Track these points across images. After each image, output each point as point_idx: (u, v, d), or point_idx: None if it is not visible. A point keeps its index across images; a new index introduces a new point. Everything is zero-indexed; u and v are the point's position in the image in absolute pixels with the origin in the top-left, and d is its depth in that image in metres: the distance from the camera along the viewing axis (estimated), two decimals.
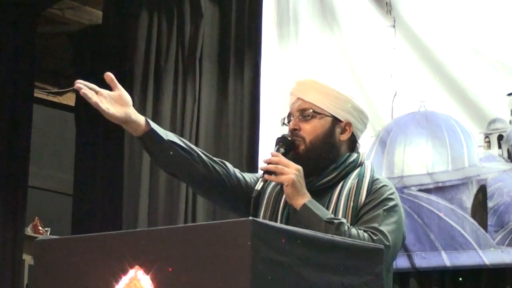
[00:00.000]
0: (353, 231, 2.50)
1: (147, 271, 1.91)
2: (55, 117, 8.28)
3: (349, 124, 2.76)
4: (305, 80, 2.82)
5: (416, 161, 4.42)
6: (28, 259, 6.73)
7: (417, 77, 4.47)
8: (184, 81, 5.55)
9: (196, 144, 5.39)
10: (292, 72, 5.03)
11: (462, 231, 4.17)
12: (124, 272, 1.95)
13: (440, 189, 4.30)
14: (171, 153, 2.63)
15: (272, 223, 1.88)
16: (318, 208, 2.55)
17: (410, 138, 4.48)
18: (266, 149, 5.01)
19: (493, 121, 4.20)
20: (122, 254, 1.97)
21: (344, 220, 2.52)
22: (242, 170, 5.27)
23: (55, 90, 7.86)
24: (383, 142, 4.55)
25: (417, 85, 4.47)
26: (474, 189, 4.19)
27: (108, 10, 6.40)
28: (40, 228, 7.41)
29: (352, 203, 2.62)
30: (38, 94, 7.35)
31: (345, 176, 2.69)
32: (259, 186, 2.65)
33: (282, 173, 2.58)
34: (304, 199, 2.57)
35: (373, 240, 2.49)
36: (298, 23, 5.10)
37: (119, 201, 5.75)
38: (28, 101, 6.52)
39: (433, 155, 4.37)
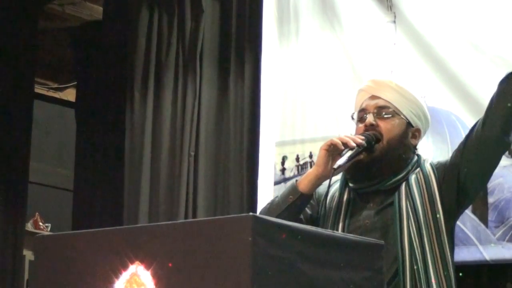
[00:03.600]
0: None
1: (147, 267, 1.92)
2: (55, 112, 8.28)
3: (419, 130, 2.77)
4: (383, 80, 2.84)
5: None
6: (28, 254, 6.73)
7: (417, 73, 4.47)
8: (184, 77, 5.55)
9: (197, 141, 5.40)
10: (292, 68, 5.02)
11: (463, 227, 4.17)
12: (125, 267, 1.95)
13: None
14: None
15: (272, 218, 1.88)
16: None
17: None
18: (266, 145, 5.01)
19: None
20: (122, 249, 1.97)
21: None
22: (241, 165, 5.26)
23: (56, 85, 7.86)
24: None
25: (417, 80, 4.47)
26: None
27: (108, 5, 6.39)
28: (41, 223, 7.42)
29: (425, 190, 2.65)
30: (38, 89, 7.35)
31: (407, 175, 2.71)
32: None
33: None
34: None
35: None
36: (299, 20, 5.09)
37: (119, 196, 5.75)
38: (28, 97, 6.51)
39: (434, 151, 4.36)
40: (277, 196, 2.79)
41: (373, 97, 2.74)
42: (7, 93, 6.29)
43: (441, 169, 2.70)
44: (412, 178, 2.68)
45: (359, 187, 2.72)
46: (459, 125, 4.31)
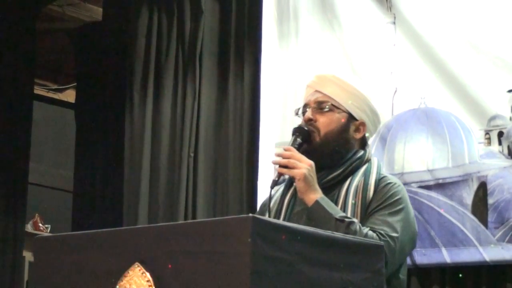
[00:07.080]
0: (364, 231, 2.49)
1: (147, 268, 1.92)
2: (55, 113, 8.28)
3: (363, 124, 2.75)
4: (326, 74, 2.81)
5: (417, 157, 4.42)
6: (28, 256, 6.73)
7: (417, 74, 4.47)
8: (184, 78, 5.55)
9: (196, 142, 5.40)
10: (292, 69, 5.02)
11: (463, 228, 4.17)
12: (125, 268, 1.95)
13: (440, 186, 4.31)
14: None
15: (272, 220, 1.88)
16: (329, 206, 2.54)
17: (411, 135, 4.48)
18: (266, 145, 5.01)
19: (494, 117, 4.20)
20: (122, 250, 1.97)
21: (355, 220, 2.51)
22: (241, 166, 5.25)
23: (55, 87, 7.87)
24: (383, 138, 4.55)
25: (417, 81, 4.47)
26: (474, 185, 4.19)
27: (108, 7, 6.39)
28: (40, 224, 7.42)
29: (360, 201, 2.61)
30: (38, 91, 7.35)
31: (352, 172, 2.68)
32: (275, 177, 2.63)
33: (294, 167, 2.57)
34: (316, 194, 2.56)
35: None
36: (299, 20, 5.10)
37: (119, 197, 5.75)
38: (28, 98, 6.52)
39: (434, 152, 4.36)
40: None
41: (316, 92, 2.77)
42: (7, 94, 6.29)
43: (378, 191, 2.64)
44: (355, 181, 2.65)
45: None
46: (458, 125, 4.31)
